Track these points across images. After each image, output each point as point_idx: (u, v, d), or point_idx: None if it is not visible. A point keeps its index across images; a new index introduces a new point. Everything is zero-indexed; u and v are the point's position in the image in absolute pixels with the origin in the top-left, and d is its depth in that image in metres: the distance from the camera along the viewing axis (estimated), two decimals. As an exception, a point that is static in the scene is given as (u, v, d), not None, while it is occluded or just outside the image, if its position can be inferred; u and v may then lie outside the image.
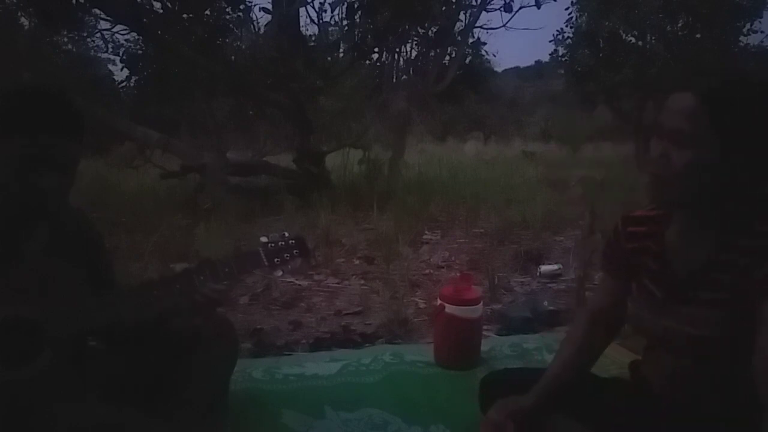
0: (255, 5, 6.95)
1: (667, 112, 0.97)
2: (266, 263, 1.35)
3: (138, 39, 7.29)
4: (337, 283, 3.31)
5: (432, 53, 8.12)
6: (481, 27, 8.84)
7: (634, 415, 1.13)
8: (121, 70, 7.51)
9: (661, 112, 0.99)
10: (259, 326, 2.59)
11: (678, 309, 1.06)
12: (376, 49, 7.43)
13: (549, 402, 1.20)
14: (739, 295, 0.98)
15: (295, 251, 1.38)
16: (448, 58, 8.48)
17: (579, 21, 11.12)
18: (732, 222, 1.01)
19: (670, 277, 1.09)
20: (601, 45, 10.44)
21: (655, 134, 0.99)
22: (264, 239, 1.37)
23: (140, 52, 7.41)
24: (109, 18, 6.37)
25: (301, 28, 6.84)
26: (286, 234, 1.40)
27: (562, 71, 12.36)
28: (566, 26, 11.32)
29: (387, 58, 8.10)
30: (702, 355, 1.06)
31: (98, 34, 7.98)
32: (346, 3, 6.38)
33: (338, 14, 6.89)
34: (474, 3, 8.01)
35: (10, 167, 1.14)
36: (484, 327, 2.33)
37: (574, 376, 1.23)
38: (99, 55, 9.17)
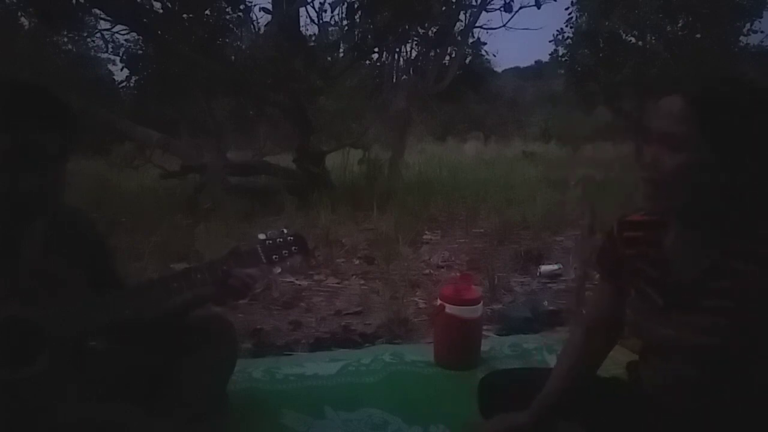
0: (255, 5, 6.97)
1: (658, 116, 0.98)
2: (264, 260, 1.33)
3: (138, 39, 7.30)
4: (337, 283, 3.30)
5: (432, 53, 8.12)
6: (481, 27, 8.83)
7: (630, 415, 1.12)
8: (121, 70, 7.55)
9: (652, 117, 0.99)
10: (259, 326, 2.59)
11: (679, 317, 1.04)
12: (376, 49, 7.43)
13: (550, 417, 1.18)
14: (744, 302, 0.95)
15: (293, 248, 1.36)
16: (448, 58, 8.49)
17: (579, 21, 11.13)
18: (734, 226, 0.98)
19: (671, 284, 1.06)
20: (601, 45, 10.44)
21: (647, 139, 1.00)
22: (262, 236, 1.35)
23: (140, 52, 7.42)
24: (109, 18, 6.39)
25: (301, 28, 6.85)
26: (285, 230, 1.38)
27: (562, 71, 12.35)
28: (566, 26, 11.33)
29: (387, 58, 8.11)
30: (704, 363, 1.03)
31: (98, 34, 8.01)
32: (346, 3, 6.38)
33: (338, 14, 6.91)
34: (474, 3, 8.02)
35: None
36: (484, 327, 2.32)
37: (575, 388, 1.20)
38: (99, 55, 9.19)
